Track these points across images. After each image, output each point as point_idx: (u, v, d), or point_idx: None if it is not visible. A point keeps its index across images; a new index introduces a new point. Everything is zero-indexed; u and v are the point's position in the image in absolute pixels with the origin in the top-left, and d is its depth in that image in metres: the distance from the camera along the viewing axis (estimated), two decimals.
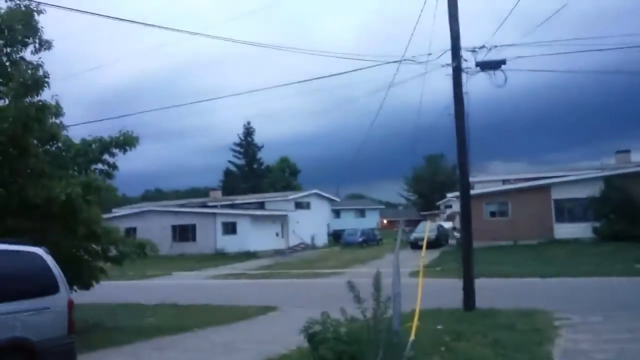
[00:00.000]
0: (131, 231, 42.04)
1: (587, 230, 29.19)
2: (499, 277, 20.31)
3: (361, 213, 73.65)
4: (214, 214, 40.34)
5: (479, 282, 18.99)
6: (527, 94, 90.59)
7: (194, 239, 40.05)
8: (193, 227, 40.21)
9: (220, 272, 28.67)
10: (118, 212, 47.18)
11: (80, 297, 12.55)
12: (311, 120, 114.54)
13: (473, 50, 12.89)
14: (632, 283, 17.16)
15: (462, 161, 12.50)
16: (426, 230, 9.24)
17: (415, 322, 7.68)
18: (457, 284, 12.80)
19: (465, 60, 12.88)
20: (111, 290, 21.69)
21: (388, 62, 14.24)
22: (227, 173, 68.24)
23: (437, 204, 66.72)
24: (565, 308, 12.34)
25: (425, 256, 9.51)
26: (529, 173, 36.73)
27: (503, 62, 12.65)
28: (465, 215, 12.58)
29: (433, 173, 78.49)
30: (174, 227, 40.92)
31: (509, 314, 11.48)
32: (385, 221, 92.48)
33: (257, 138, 69.56)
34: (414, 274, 23.68)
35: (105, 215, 43.58)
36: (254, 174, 67.04)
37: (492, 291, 16.59)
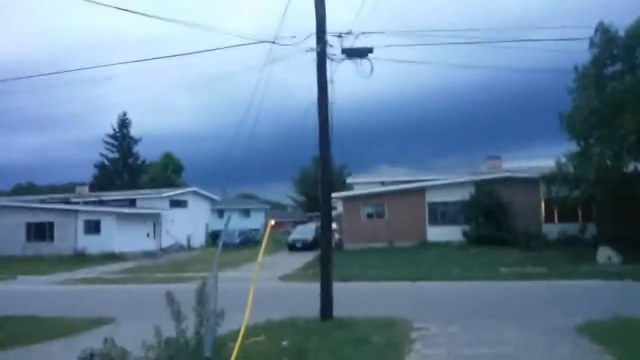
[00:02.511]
0: None
1: (458, 234, 29.71)
2: (369, 281, 19.78)
3: (246, 213, 71.73)
4: (75, 211, 36.53)
5: (348, 287, 18.25)
6: (412, 99, 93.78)
7: (51, 238, 36.01)
8: (51, 225, 36.16)
9: (73, 277, 25.63)
10: None
11: None
12: (197, 116, 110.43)
13: (339, 36, 11.84)
14: (495, 287, 17.22)
15: (324, 155, 11.38)
16: (266, 233, 7.97)
17: (238, 344, 6.25)
18: None
19: (331, 46, 11.83)
20: None
21: (251, 43, 12.78)
22: (102, 167, 63.15)
23: None
24: (427, 316, 11.70)
25: (261, 261, 8.08)
26: (406, 175, 37.02)
27: (370, 50, 11.71)
28: (325, 215, 11.45)
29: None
30: (28, 225, 36.59)
31: (367, 324, 10.49)
32: (272, 222, 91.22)
33: (140, 131, 65.22)
34: (285, 278, 22.62)
35: None
36: (129, 168, 62.69)
37: (358, 297, 15.86)
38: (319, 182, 11.31)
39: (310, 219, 69.00)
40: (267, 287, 20.14)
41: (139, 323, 10.85)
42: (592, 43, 22.51)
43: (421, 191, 31.99)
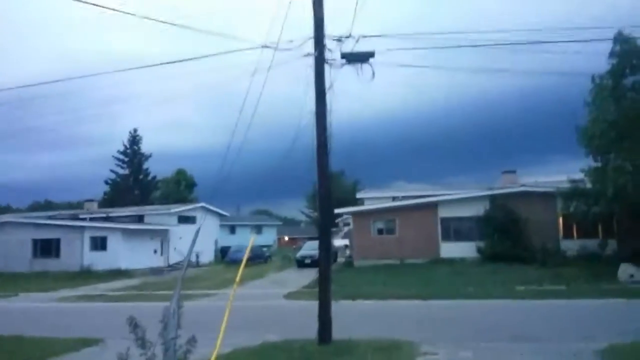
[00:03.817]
0: None
1: (472, 250, 28.66)
2: (377, 299, 18.85)
3: (258, 229, 71.01)
4: (81, 227, 36.03)
5: (354, 305, 17.44)
6: (432, 117, 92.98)
7: (57, 254, 35.52)
8: (57, 241, 35.68)
9: (75, 294, 25.02)
10: None
11: None
12: (212, 134, 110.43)
13: (339, 40, 11.12)
14: (511, 306, 16.23)
15: (323, 165, 10.57)
16: (249, 246, 7.50)
17: None
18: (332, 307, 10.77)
19: (330, 51, 11.13)
20: None
21: (247, 49, 12.09)
22: (112, 184, 62.89)
23: (337, 221, 65.66)
24: (436, 338, 10.83)
25: (239, 281, 7.29)
26: (418, 191, 35.99)
27: (371, 54, 10.96)
28: (323, 230, 10.65)
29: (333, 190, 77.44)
30: (35, 241, 36.19)
31: (367, 348, 9.64)
32: (286, 238, 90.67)
33: (153, 149, 65.15)
34: (291, 296, 21.75)
35: None
36: (139, 184, 62.38)
37: (363, 316, 15.05)
38: (318, 195, 10.52)
39: None
40: (270, 306, 19.40)
41: (125, 345, 10.14)
42: (611, 53, 21.62)
43: (433, 206, 30.99)
